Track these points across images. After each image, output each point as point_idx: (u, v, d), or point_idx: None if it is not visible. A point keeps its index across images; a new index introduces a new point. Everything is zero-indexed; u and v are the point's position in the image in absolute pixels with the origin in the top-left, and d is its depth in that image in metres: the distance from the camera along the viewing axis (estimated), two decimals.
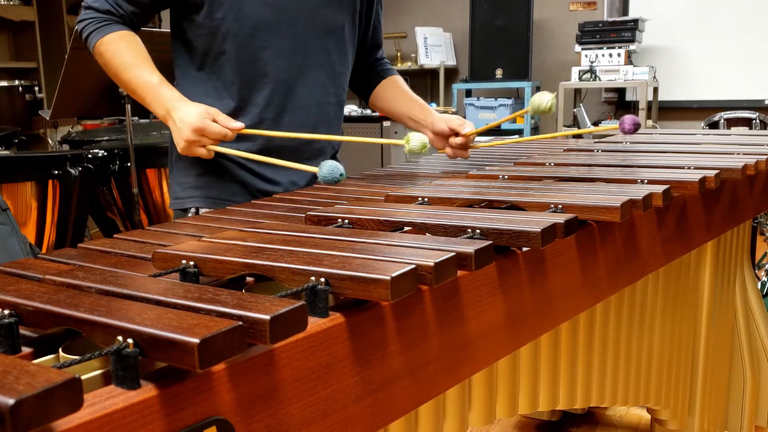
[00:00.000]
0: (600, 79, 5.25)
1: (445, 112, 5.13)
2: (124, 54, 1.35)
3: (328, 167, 1.22)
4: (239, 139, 1.36)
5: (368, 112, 4.77)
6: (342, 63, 1.54)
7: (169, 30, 1.51)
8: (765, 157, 1.42)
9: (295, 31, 1.44)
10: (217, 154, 1.34)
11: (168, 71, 1.43)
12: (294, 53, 1.45)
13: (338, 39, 1.51)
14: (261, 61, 1.43)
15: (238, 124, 1.31)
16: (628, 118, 1.46)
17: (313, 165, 1.31)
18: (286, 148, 1.47)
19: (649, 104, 5.26)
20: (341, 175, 1.22)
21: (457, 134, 1.52)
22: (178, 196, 1.52)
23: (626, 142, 1.75)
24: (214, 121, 1.28)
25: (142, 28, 1.46)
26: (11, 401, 0.40)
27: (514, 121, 5.80)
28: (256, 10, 1.39)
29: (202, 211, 1.47)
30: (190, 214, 1.49)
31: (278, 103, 1.46)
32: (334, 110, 1.55)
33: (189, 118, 1.27)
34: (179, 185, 1.51)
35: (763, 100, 5.21)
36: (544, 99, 1.37)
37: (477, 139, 1.73)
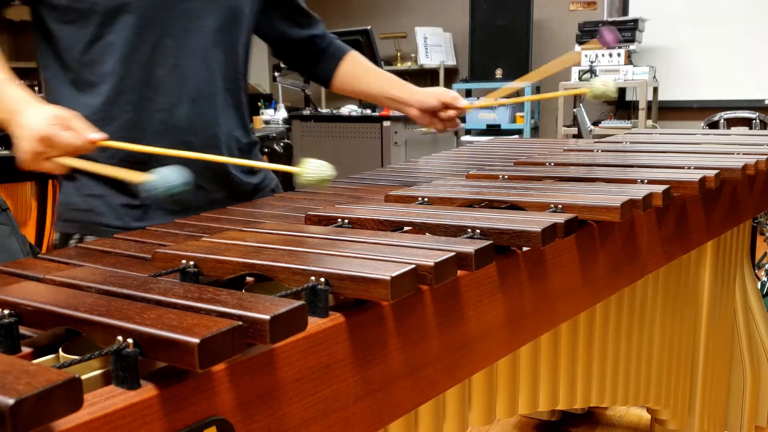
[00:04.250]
0: None
1: None
2: None
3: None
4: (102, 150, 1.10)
5: (368, 111, 4.76)
6: (235, 44, 1.32)
7: None
8: (765, 157, 1.42)
9: (182, 7, 1.22)
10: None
11: None
12: (181, 35, 1.22)
13: (233, 16, 1.29)
14: (145, 47, 1.19)
15: (97, 135, 1.03)
16: (605, 30, 1.38)
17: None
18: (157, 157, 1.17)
19: (649, 104, 5.27)
20: (186, 183, 0.93)
21: (448, 107, 1.43)
22: (63, 217, 1.29)
23: (626, 142, 1.75)
24: (69, 128, 1.01)
25: None
26: (11, 401, 0.40)
27: (514, 120, 5.81)
28: None
29: (87, 238, 1.23)
30: (72, 242, 1.26)
31: (165, 95, 1.22)
32: (224, 98, 1.30)
33: (33, 124, 1.00)
34: (65, 207, 1.28)
35: (763, 100, 5.22)
36: (609, 86, 1.29)
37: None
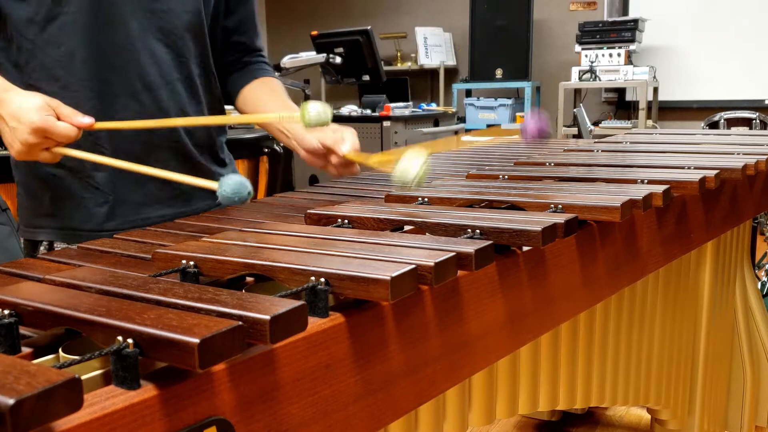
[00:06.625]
0: (600, 79, 5.25)
1: (445, 112, 5.09)
2: None
3: (232, 185, 0.92)
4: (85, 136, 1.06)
5: (368, 112, 4.76)
6: (188, 40, 1.26)
7: None
8: (765, 157, 1.42)
9: (124, 8, 1.17)
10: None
11: None
12: (122, 30, 1.17)
13: (178, 16, 1.23)
14: (93, 40, 1.16)
15: (87, 120, 1.01)
16: (531, 122, 1.27)
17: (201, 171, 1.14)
18: (155, 146, 1.19)
19: (649, 104, 5.27)
20: (249, 193, 0.93)
21: (330, 152, 1.19)
22: (27, 223, 1.25)
23: (626, 142, 1.75)
24: (58, 117, 0.99)
25: None
26: (11, 401, 0.40)
27: (514, 120, 5.81)
28: None
29: (57, 245, 1.21)
30: (42, 248, 1.23)
31: (120, 86, 1.19)
32: (184, 88, 1.26)
33: (27, 115, 0.96)
34: (28, 209, 1.24)
35: (763, 100, 5.21)
36: (410, 171, 0.97)
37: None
